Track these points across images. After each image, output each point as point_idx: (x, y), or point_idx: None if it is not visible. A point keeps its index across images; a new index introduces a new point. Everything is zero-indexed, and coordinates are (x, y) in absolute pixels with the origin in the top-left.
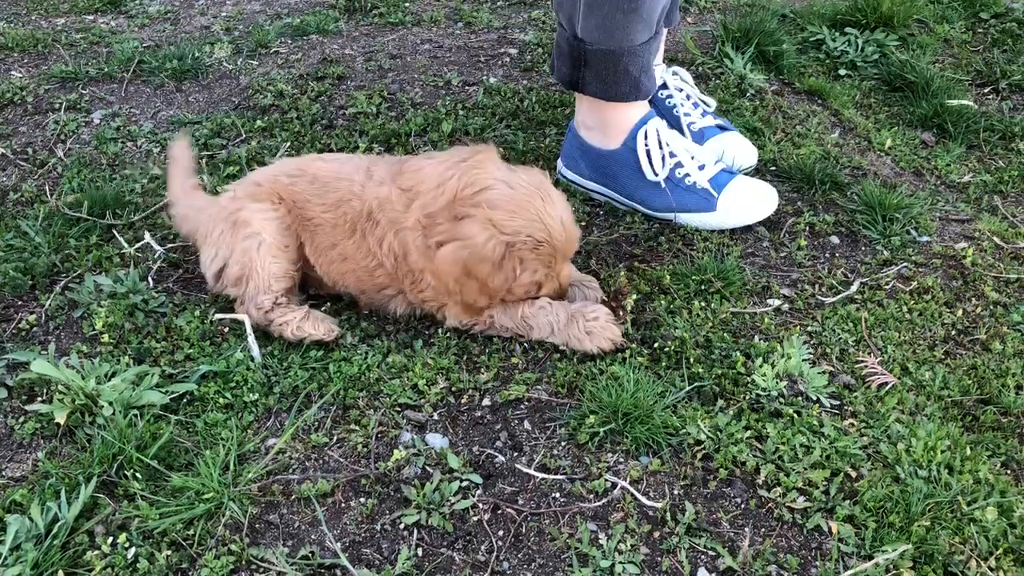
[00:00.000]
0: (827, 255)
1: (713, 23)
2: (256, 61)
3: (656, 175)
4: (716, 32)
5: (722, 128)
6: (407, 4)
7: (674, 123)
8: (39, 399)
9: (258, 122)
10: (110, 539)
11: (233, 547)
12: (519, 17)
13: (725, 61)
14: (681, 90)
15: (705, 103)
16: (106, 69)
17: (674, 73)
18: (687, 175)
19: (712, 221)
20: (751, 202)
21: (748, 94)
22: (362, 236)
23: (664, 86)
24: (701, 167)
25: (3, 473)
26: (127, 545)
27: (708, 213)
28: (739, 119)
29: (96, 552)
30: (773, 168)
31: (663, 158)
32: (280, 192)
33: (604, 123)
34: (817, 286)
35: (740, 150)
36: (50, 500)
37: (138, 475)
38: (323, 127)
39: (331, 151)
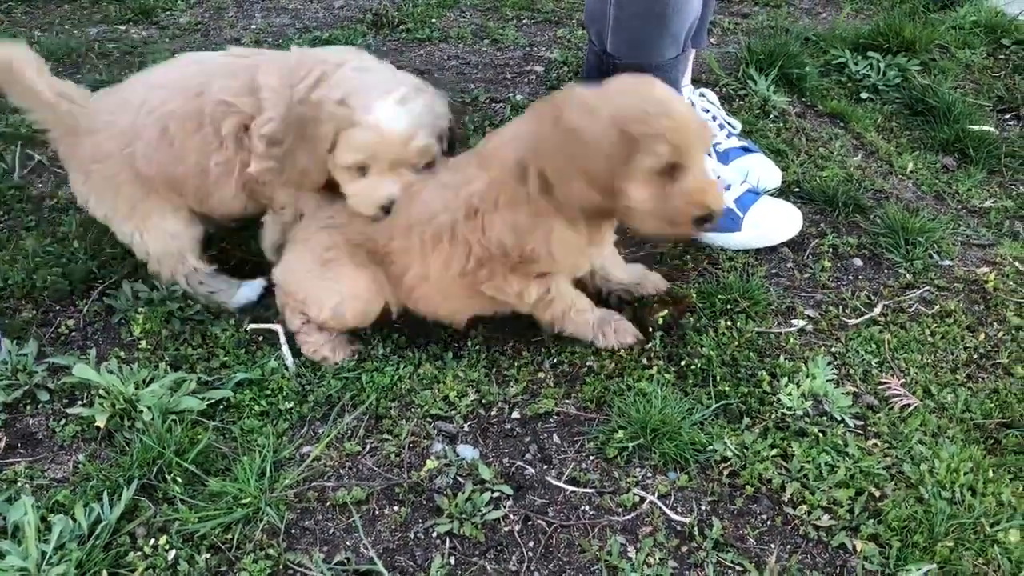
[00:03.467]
0: (850, 277)
1: (737, 45)
2: None
3: None
4: (740, 54)
5: (747, 149)
6: (434, 20)
7: None
8: (80, 403)
9: None
10: (151, 541)
11: (271, 551)
12: (544, 35)
13: (749, 83)
14: (707, 111)
15: (731, 125)
16: None
17: (701, 94)
18: None
19: (737, 241)
20: (776, 223)
21: (771, 116)
22: (451, 241)
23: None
24: (727, 187)
25: (45, 474)
26: (167, 547)
27: (733, 233)
28: (763, 140)
29: (138, 553)
30: (796, 190)
31: None
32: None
33: None
34: (841, 308)
35: (764, 171)
36: (92, 502)
37: (177, 479)
38: None
39: None
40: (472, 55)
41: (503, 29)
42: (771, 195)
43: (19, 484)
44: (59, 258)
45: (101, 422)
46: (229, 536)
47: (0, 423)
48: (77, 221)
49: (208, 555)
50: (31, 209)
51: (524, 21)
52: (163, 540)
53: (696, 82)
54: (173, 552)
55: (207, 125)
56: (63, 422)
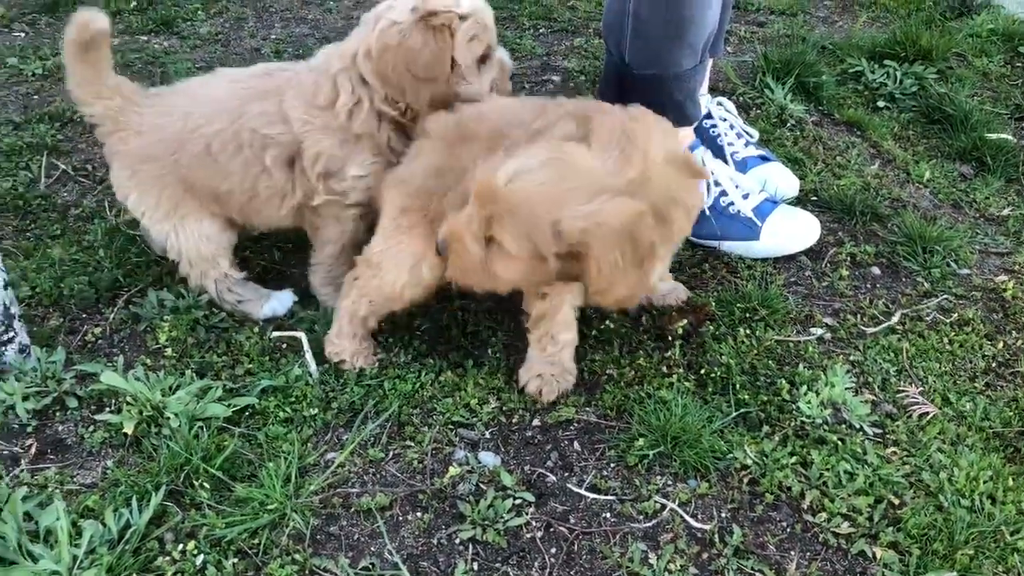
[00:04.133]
0: (868, 285)
1: (753, 54)
2: None
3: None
4: (757, 63)
5: (764, 158)
6: None
7: (718, 152)
8: (107, 409)
9: None
10: (180, 546)
11: (297, 556)
12: (561, 45)
13: (766, 91)
14: (725, 120)
15: (748, 133)
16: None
17: (719, 103)
18: (731, 203)
19: (756, 249)
20: (794, 231)
21: (788, 124)
22: None
23: (709, 116)
24: (745, 196)
25: (75, 479)
26: (195, 552)
27: (752, 241)
28: (780, 149)
29: (167, 558)
30: (814, 198)
31: (708, 186)
32: None
33: None
34: (859, 316)
35: (782, 180)
36: (121, 507)
37: (204, 485)
38: None
39: None
40: None
41: (520, 39)
42: (789, 204)
43: (50, 489)
44: (85, 266)
45: (129, 428)
46: (256, 541)
47: (31, 429)
48: (102, 230)
49: (235, 560)
50: (57, 218)
51: (541, 31)
52: (191, 545)
53: (713, 91)
54: (201, 557)
55: (246, 149)
56: (92, 428)
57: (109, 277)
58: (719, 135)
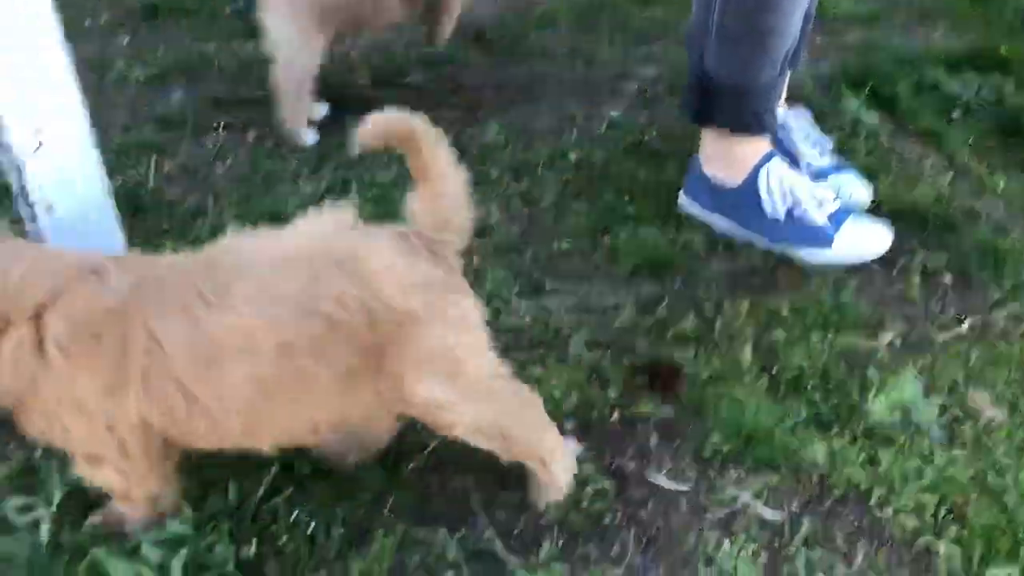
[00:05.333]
0: (939, 293)
1: (829, 63)
2: (393, 89)
3: (776, 211)
4: (833, 72)
5: (839, 168)
6: (532, 37)
7: (793, 161)
8: None
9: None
10: (292, 514)
11: (397, 527)
12: (638, 52)
13: (841, 101)
14: (801, 129)
15: (823, 143)
16: (258, 93)
17: (795, 114)
18: (805, 212)
19: (829, 257)
20: (866, 240)
21: (863, 135)
22: None
23: (784, 125)
24: (819, 204)
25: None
26: (307, 519)
27: (825, 249)
28: (854, 159)
29: (280, 525)
30: (887, 208)
31: (783, 195)
32: None
33: (727, 157)
34: (929, 323)
35: (855, 189)
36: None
37: (310, 463)
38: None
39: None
40: (567, 72)
41: (598, 46)
42: (862, 212)
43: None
44: None
45: None
46: (359, 514)
47: None
48: (207, 227)
49: (342, 529)
50: (164, 215)
51: (618, 38)
52: (302, 515)
53: (789, 100)
54: (313, 524)
55: None
56: None
57: None
58: (795, 144)
